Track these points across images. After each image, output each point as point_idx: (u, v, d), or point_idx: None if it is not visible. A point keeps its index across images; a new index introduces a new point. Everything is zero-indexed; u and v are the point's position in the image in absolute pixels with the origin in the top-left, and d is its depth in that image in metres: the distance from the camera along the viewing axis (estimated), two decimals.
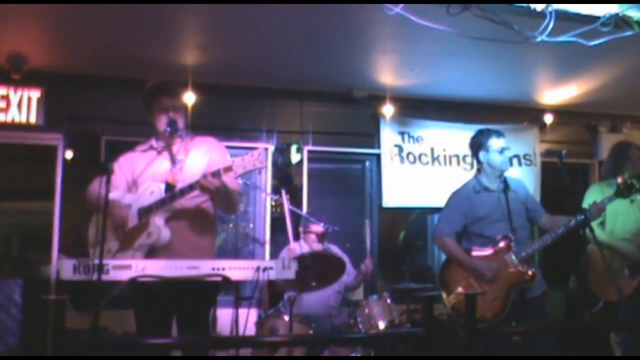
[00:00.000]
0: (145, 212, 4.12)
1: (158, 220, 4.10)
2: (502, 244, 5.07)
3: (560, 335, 5.12)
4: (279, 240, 7.11)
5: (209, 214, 4.34)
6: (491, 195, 5.19)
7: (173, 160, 4.27)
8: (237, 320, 3.93)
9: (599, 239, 5.07)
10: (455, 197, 5.34)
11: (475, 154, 5.31)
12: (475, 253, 5.15)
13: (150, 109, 4.36)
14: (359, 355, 5.62)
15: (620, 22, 4.84)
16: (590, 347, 5.96)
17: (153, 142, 4.39)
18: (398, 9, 4.32)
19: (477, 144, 5.29)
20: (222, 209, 4.44)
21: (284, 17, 5.33)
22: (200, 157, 4.30)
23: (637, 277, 5.33)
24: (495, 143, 5.19)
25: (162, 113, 4.29)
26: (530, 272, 4.97)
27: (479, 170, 5.34)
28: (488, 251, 5.11)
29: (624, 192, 5.12)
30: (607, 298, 5.48)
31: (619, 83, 7.22)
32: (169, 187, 4.14)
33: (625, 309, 5.23)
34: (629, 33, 4.86)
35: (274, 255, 6.87)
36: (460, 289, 5.10)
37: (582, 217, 4.93)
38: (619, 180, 5.18)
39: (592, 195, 5.51)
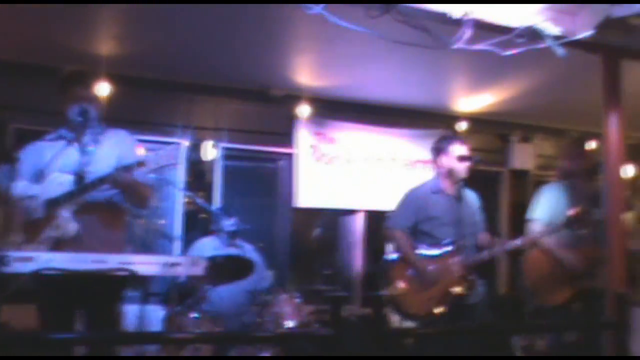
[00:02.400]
0: (53, 204, 4.00)
1: (65, 213, 4.00)
2: (448, 248, 5.15)
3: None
4: (190, 236, 7.04)
5: (119, 208, 4.26)
6: (446, 199, 5.26)
7: (83, 151, 4.17)
8: (143, 316, 3.88)
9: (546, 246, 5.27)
10: (411, 193, 5.40)
11: (435, 158, 5.38)
12: (422, 252, 5.21)
13: (63, 98, 4.25)
14: (267, 354, 5.62)
15: (534, 34, 4.96)
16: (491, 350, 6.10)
17: (63, 132, 4.27)
18: (319, 8, 4.32)
19: (439, 149, 5.36)
20: (133, 204, 4.36)
21: (202, 12, 5.27)
22: (111, 149, 4.21)
23: (575, 286, 5.47)
24: (456, 150, 5.26)
25: (74, 102, 4.18)
26: (469, 280, 5.08)
27: (437, 174, 5.40)
28: (434, 252, 5.18)
29: (573, 225, 5.27)
30: (542, 301, 5.62)
31: (531, 94, 7.41)
32: (78, 178, 4.04)
33: (554, 316, 5.44)
34: (542, 45, 4.99)
35: (185, 251, 6.79)
36: (402, 284, 5.15)
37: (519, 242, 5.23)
38: (571, 212, 5.30)
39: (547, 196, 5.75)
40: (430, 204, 5.25)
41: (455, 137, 5.43)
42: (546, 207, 5.72)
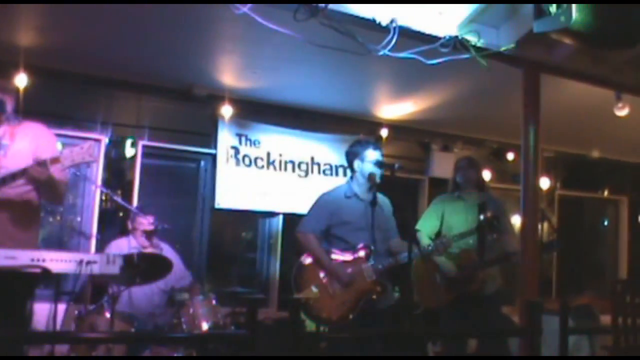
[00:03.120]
0: None
1: None
2: (361, 253, 5.18)
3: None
4: (106, 234, 6.92)
5: (32, 205, 4.16)
6: (360, 204, 5.28)
7: None
8: (55, 315, 3.79)
9: (425, 254, 5.38)
10: (324, 197, 5.41)
11: (350, 162, 5.41)
12: (335, 256, 5.23)
13: None
14: (181, 355, 5.57)
15: (459, 44, 5.06)
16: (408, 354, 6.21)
17: None
18: (245, 8, 4.31)
19: (354, 153, 5.38)
20: (47, 200, 4.28)
21: (127, 6, 5.18)
22: (27, 143, 4.12)
23: (453, 291, 5.64)
24: (371, 154, 5.28)
25: None
26: (381, 284, 5.13)
27: (351, 178, 5.42)
28: (347, 256, 5.21)
29: (484, 229, 5.41)
30: (427, 305, 5.81)
31: (452, 104, 7.52)
32: None
33: (443, 318, 5.61)
34: (465, 56, 5.09)
35: (101, 249, 6.67)
36: (314, 289, 5.15)
37: (426, 250, 5.41)
38: (482, 217, 5.43)
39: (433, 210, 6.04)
40: (343, 209, 5.28)
41: (369, 142, 5.46)
42: (432, 218, 5.94)
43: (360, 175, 5.33)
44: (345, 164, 5.56)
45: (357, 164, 5.34)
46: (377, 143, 5.50)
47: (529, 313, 4.09)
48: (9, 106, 4.12)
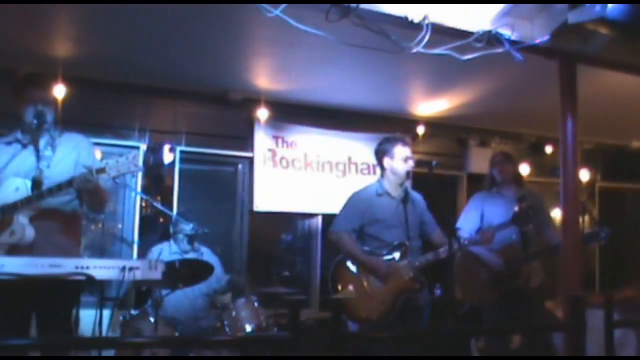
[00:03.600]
0: (9, 210, 3.95)
1: (22, 219, 3.94)
2: (397, 250, 5.16)
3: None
4: (147, 240, 6.99)
5: (75, 213, 4.22)
6: (391, 201, 5.26)
7: (39, 156, 4.12)
8: (100, 321, 3.84)
9: (466, 247, 5.34)
10: (355, 196, 5.39)
11: (379, 160, 5.39)
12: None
13: (18, 101, 4.19)
14: (225, 355, 5.60)
15: (492, 38, 5.01)
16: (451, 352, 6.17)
17: (18, 135, 4.22)
18: (277, 11, 4.32)
19: (383, 151, 5.36)
20: (90, 209, 4.33)
21: (160, 13, 5.23)
22: (69, 154, 4.18)
23: (498, 286, 5.59)
24: (400, 151, 5.27)
25: (30, 105, 4.12)
26: (420, 281, 5.11)
27: (382, 176, 5.40)
28: (382, 255, 5.18)
29: (519, 220, 5.38)
30: (471, 301, 5.76)
31: (488, 98, 7.47)
32: (35, 183, 3.99)
33: (487, 314, 5.55)
34: (499, 50, 5.05)
35: (143, 255, 6.74)
36: (351, 288, 5.15)
37: (465, 242, 5.30)
38: (517, 208, 5.40)
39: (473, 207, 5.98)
40: (375, 207, 5.25)
41: (398, 138, 5.42)
42: (472, 215, 5.88)
43: (390, 172, 5.31)
44: (375, 162, 5.53)
45: (386, 161, 5.32)
46: (405, 139, 5.45)
47: (572, 307, 4.03)
48: (49, 117, 4.18)
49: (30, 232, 3.94)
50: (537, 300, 5.78)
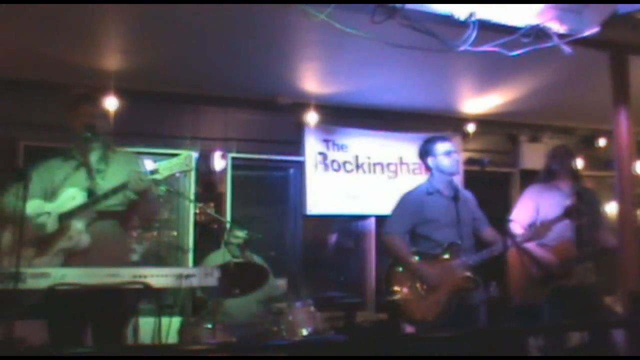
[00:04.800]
0: (66, 217, 4.04)
1: (78, 225, 4.03)
2: (450, 250, 5.12)
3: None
4: (202, 247, 7.05)
5: (129, 221, 4.29)
6: (442, 200, 5.21)
7: (93, 170, 4.20)
8: (159, 328, 3.89)
9: (519, 243, 5.27)
10: (406, 197, 5.35)
11: (424, 162, 5.36)
12: (422, 254, 5.18)
13: (71, 116, 4.27)
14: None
15: (540, 33, 4.94)
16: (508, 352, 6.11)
17: (73, 151, 4.31)
18: (323, 15, 4.32)
19: (424, 152, 5.34)
20: (143, 215, 4.39)
21: (206, 22, 5.29)
22: (121, 168, 4.24)
23: (551, 284, 5.51)
24: (440, 147, 5.24)
25: (83, 120, 4.21)
26: (474, 280, 5.07)
27: (430, 176, 5.36)
28: (435, 254, 5.14)
29: (571, 213, 5.30)
30: (524, 299, 5.67)
31: (538, 93, 7.39)
32: (91, 194, 4.09)
33: (544, 311, 5.47)
34: (548, 44, 4.98)
35: (198, 262, 6.81)
36: (405, 290, 5.13)
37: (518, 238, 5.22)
38: (570, 201, 5.33)
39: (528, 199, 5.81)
40: (426, 206, 5.21)
41: (436, 136, 5.38)
42: (527, 207, 5.77)
43: (436, 170, 5.27)
44: (421, 163, 5.50)
45: (430, 160, 5.28)
46: (445, 136, 5.40)
47: (631, 303, 3.96)
48: (102, 131, 4.26)
49: (85, 238, 4.03)
50: (594, 296, 5.68)
